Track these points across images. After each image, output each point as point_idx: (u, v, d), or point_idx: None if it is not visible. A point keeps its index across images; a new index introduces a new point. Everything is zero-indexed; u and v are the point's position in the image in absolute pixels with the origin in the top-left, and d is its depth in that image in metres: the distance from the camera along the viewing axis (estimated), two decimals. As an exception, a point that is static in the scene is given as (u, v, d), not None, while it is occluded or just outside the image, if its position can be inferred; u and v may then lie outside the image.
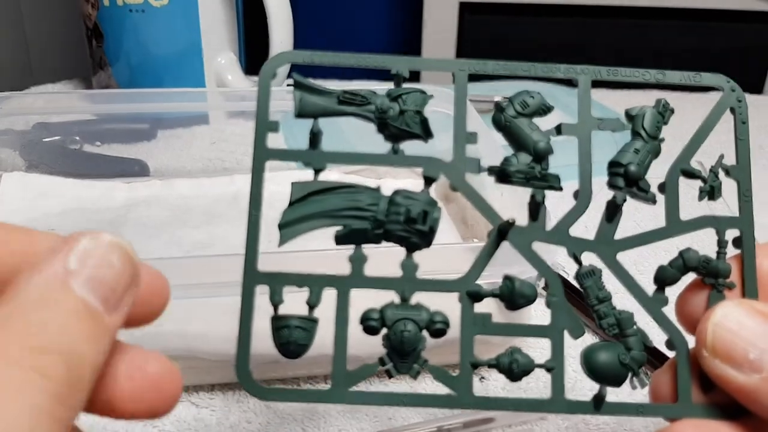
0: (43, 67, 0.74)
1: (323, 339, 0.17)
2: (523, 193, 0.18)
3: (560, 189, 0.18)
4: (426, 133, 0.17)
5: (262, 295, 0.17)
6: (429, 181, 0.17)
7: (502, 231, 0.17)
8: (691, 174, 0.18)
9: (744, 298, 0.17)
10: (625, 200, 0.18)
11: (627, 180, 0.17)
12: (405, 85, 0.18)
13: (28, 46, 0.73)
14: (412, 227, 0.17)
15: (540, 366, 0.17)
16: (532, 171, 0.17)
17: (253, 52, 0.67)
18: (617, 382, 0.17)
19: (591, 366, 0.17)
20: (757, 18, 0.89)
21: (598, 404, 0.17)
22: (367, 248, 0.17)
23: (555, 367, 0.17)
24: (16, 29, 0.71)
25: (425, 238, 0.17)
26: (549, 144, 0.17)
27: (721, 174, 0.18)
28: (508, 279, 0.17)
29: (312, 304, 0.17)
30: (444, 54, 0.91)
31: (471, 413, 0.26)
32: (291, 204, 0.17)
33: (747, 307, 0.16)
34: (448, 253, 0.25)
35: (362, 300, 0.17)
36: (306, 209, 0.17)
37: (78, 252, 0.14)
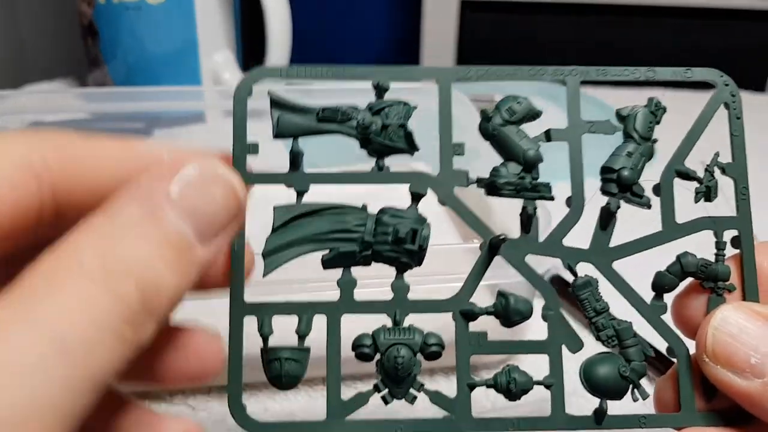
0: (38, 65, 0.74)
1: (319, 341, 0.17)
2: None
3: (552, 199, 0.17)
4: (411, 147, 0.17)
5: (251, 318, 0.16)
6: (416, 197, 0.17)
7: (494, 246, 0.17)
8: (686, 175, 0.17)
9: (744, 301, 0.17)
10: (618, 207, 0.17)
11: (620, 185, 0.17)
12: (388, 96, 0.17)
13: (23, 44, 0.72)
14: (401, 247, 0.16)
15: (539, 383, 0.17)
16: (522, 182, 0.17)
17: (251, 49, 0.67)
18: (618, 396, 0.17)
19: (591, 381, 0.17)
20: (758, 17, 0.89)
21: (599, 418, 0.17)
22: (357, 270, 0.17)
23: (554, 383, 0.17)
24: (10, 27, 0.71)
25: (415, 258, 0.17)
26: (539, 152, 0.17)
27: (718, 173, 0.18)
28: (502, 296, 0.17)
29: (302, 334, 0.17)
30: (444, 52, 0.91)
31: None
32: (274, 230, 0.16)
33: (747, 310, 0.16)
34: (448, 253, 0.25)
35: (353, 323, 0.17)
36: (290, 235, 0.16)
37: (181, 179, 0.13)
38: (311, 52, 0.92)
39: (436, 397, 0.17)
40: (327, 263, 0.16)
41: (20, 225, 0.14)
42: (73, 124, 0.48)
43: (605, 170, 0.17)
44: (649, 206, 0.17)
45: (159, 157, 0.15)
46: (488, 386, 0.17)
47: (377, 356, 0.17)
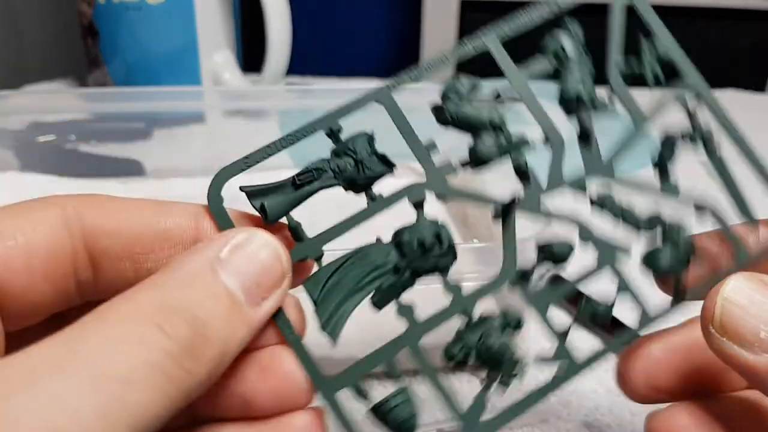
0: (38, 65, 0.74)
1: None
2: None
3: (533, 146, 0.17)
4: (389, 166, 0.17)
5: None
6: (419, 205, 0.17)
7: (506, 209, 0.17)
8: (631, 74, 0.18)
9: (755, 273, 0.16)
10: (591, 123, 0.17)
11: (580, 103, 0.17)
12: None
13: (23, 44, 0.72)
14: (433, 254, 0.16)
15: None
16: (501, 144, 0.17)
17: (251, 50, 0.67)
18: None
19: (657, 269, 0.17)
20: (758, 17, 0.89)
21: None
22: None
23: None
24: (10, 27, 0.71)
25: (450, 255, 0.17)
26: (499, 112, 0.17)
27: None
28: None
29: (396, 375, 0.17)
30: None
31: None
32: (316, 303, 0.16)
33: (758, 281, 0.15)
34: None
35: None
36: (332, 299, 0.16)
37: (231, 244, 0.15)
38: (311, 52, 0.92)
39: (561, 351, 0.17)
40: (378, 304, 0.17)
41: (57, 270, 0.15)
42: (73, 125, 0.48)
43: (562, 101, 0.17)
44: (615, 112, 0.17)
45: (193, 212, 0.16)
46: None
47: (472, 355, 0.17)
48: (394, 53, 1.04)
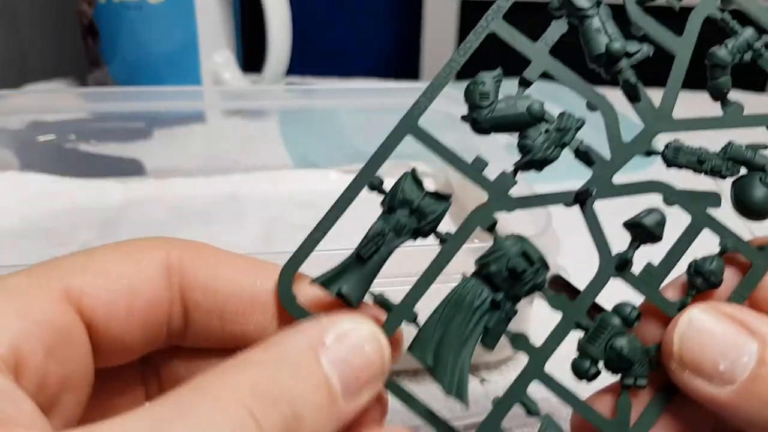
0: (38, 65, 0.74)
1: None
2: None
3: (583, 123, 0.16)
4: (446, 199, 0.16)
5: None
6: (491, 228, 0.16)
7: (581, 199, 0.16)
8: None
9: (711, 301, 0.16)
10: (635, 75, 0.16)
11: (613, 59, 0.15)
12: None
13: (23, 44, 0.72)
14: (525, 276, 0.16)
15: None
16: (550, 135, 0.16)
17: (251, 50, 0.67)
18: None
19: (747, 203, 0.16)
20: (756, 17, 0.89)
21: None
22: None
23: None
24: (10, 27, 0.71)
25: (544, 270, 0.16)
26: (538, 102, 0.16)
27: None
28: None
29: (534, 412, 0.17)
30: (444, 52, 0.91)
31: (471, 416, 0.26)
32: (431, 369, 0.16)
33: (714, 311, 0.15)
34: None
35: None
36: (445, 358, 0.16)
37: (337, 330, 0.14)
38: (311, 52, 0.92)
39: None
40: (490, 344, 0.16)
41: (154, 317, 0.15)
42: (73, 124, 0.48)
43: (594, 60, 0.16)
44: (652, 53, 0.16)
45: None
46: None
47: (601, 365, 0.16)
48: (394, 53, 1.04)
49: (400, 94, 0.42)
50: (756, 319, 0.15)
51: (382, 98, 0.43)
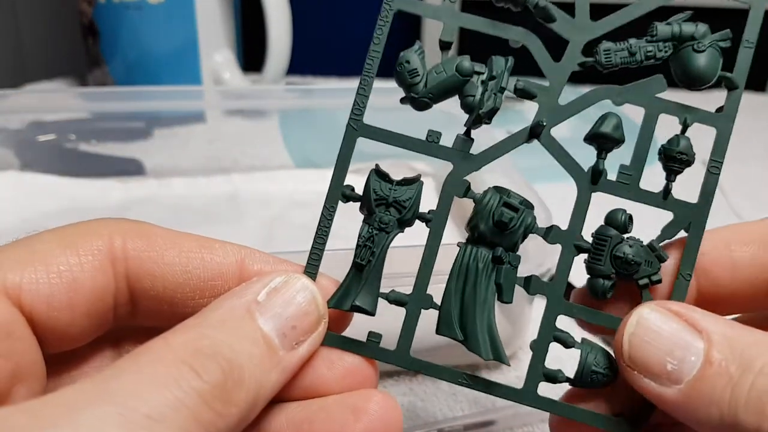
0: (38, 64, 0.74)
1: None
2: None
3: (512, 62, 0.16)
4: (416, 181, 0.17)
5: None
6: (466, 192, 0.17)
7: (536, 130, 0.16)
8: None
9: (659, 300, 0.16)
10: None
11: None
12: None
13: (23, 43, 0.72)
14: (514, 223, 0.16)
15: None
16: (489, 85, 0.16)
17: (251, 50, 0.67)
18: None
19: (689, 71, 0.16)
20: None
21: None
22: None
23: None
24: (10, 26, 0.71)
25: (529, 209, 0.16)
26: (465, 58, 0.16)
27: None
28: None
29: (571, 343, 0.17)
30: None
31: (472, 416, 0.26)
32: (464, 341, 0.16)
33: (662, 310, 0.15)
34: (449, 252, 0.25)
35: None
36: (473, 328, 0.16)
37: (269, 287, 0.15)
38: (312, 51, 0.92)
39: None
40: (507, 298, 0.16)
41: (99, 307, 0.15)
42: (73, 124, 0.48)
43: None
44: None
45: (232, 262, 0.16)
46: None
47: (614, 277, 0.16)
48: (395, 53, 1.04)
49: (400, 93, 0.42)
50: (703, 317, 0.15)
51: (383, 98, 0.43)
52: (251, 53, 0.67)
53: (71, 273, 0.14)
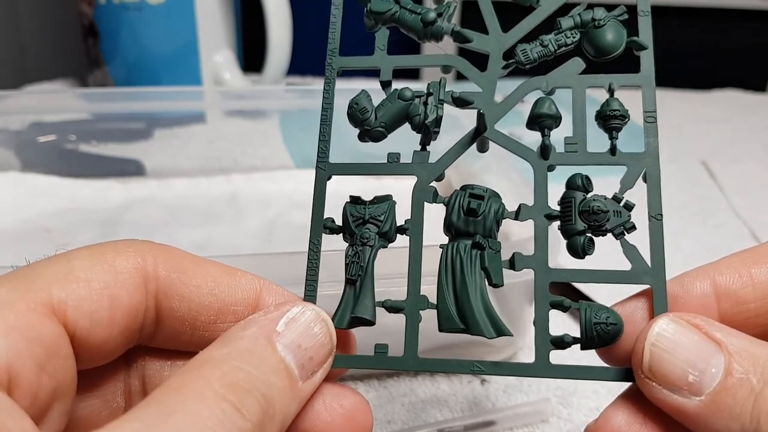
0: (39, 65, 0.74)
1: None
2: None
3: (444, 80, 0.18)
4: (388, 198, 0.18)
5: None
6: (434, 197, 0.18)
7: (480, 130, 0.18)
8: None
9: (677, 312, 0.16)
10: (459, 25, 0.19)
11: (429, 23, 0.19)
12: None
13: (23, 44, 0.72)
14: (482, 210, 0.17)
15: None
16: (430, 102, 0.18)
17: (251, 50, 0.67)
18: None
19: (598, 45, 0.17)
20: (758, 17, 0.89)
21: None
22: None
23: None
24: (10, 27, 0.71)
25: (495, 198, 0.17)
26: (406, 88, 0.18)
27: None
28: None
29: (568, 306, 0.17)
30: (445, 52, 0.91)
31: (472, 416, 0.26)
32: (466, 330, 0.17)
33: (682, 322, 0.15)
34: (434, 253, 0.25)
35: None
36: (472, 314, 0.16)
37: (287, 317, 0.15)
38: (311, 51, 0.91)
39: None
40: (497, 281, 0.17)
41: (132, 325, 0.15)
42: (73, 125, 0.48)
43: (422, 37, 0.19)
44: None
45: (256, 290, 0.16)
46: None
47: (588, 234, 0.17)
48: (395, 53, 1.04)
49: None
50: (720, 330, 0.15)
51: (382, 98, 0.43)
52: (251, 53, 0.67)
53: (110, 290, 0.15)
